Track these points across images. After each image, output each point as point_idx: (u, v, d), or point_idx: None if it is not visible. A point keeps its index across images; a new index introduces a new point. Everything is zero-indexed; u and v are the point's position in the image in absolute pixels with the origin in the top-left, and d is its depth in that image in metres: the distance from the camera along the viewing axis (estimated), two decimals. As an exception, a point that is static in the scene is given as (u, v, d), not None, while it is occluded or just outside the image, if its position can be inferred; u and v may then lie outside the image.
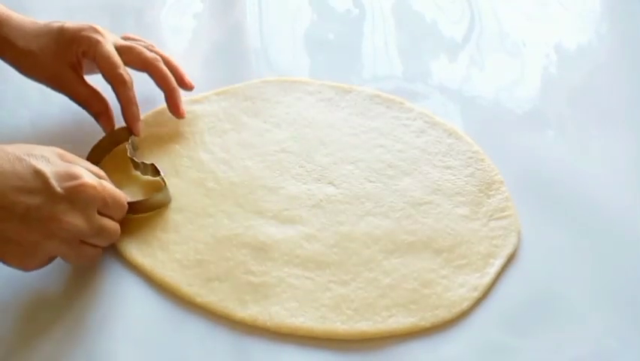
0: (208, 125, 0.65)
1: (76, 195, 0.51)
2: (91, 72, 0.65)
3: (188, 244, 0.57)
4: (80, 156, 0.56)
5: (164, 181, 0.59)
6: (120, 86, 0.62)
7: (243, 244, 0.56)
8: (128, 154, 0.61)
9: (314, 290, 0.55)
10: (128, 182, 0.61)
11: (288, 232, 0.58)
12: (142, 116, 0.65)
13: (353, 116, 0.66)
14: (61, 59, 0.63)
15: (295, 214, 0.59)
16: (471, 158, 0.63)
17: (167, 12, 0.78)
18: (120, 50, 0.63)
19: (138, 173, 0.62)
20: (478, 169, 0.62)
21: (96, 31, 0.62)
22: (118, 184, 0.60)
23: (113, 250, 0.57)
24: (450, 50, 0.75)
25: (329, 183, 0.61)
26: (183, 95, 0.66)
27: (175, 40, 0.75)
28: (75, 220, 0.51)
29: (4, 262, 0.51)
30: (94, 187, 0.52)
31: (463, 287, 0.55)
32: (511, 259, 0.57)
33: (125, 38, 0.67)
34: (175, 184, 0.61)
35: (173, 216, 0.59)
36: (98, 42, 0.62)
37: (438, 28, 0.77)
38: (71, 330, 0.52)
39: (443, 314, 0.54)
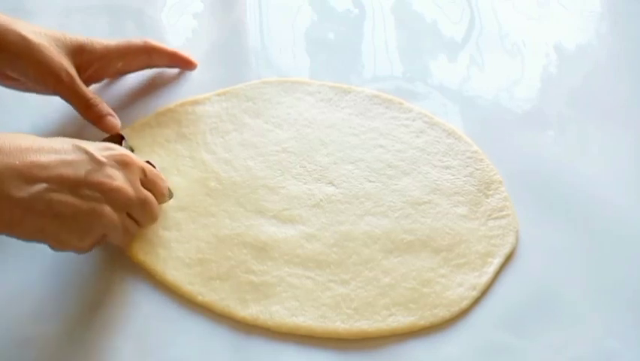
0: (210, 125, 0.66)
1: (119, 162, 0.53)
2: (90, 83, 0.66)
3: (189, 243, 0.58)
4: None
5: None
6: (151, 49, 0.67)
7: (244, 243, 0.57)
8: None
9: (314, 290, 0.56)
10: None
11: (289, 231, 0.59)
12: (144, 119, 0.66)
13: (353, 117, 0.67)
14: (64, 61, 0.62)
15: (295, 214, 0.60)
16: (470, 158, 0.64)
17: (167, 12, 0.78)
18: (114, 51, 0.65)
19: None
20: (477, 169, 0.64)
21: (96, 39, 0.65)
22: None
23: (115, 248, 0.58)
24: (450, 50, 0.76)
25: (329, 183, 0.62)
26: (185, 97, 0.67)
27: (175, 40, 0.76)
28: (123, 185, 0.52)
29: (59, 246, 0.51)
30: (133, 157, 0.54)
31: (462, 286, 0.56)
32: (509, 259, 0.58)
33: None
34: (177, 184, 0.62)
35: (175, 214, 0.60)
36: (104, 43, 0.64)
37: (438, 28, 0.78)
38: (72, 328, 0.53)
39: (442, 313, 0.55)
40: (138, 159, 0.55)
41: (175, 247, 0.58)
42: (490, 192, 0.62)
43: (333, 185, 0.62)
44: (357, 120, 0.67)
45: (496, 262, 0.58)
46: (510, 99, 0.71)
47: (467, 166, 0.64)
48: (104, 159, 0.52)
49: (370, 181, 0.62)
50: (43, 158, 0.49)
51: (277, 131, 0.66)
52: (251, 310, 0.54)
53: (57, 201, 0.49)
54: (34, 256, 0.57)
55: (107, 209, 0.51)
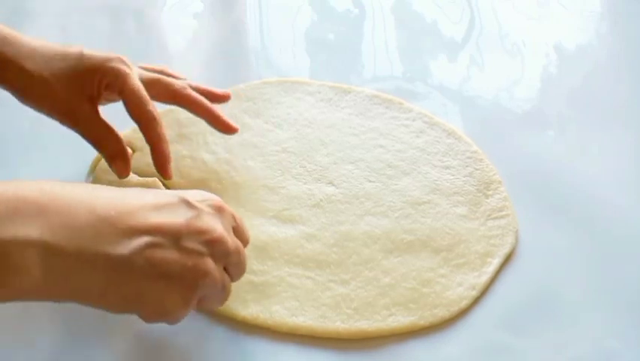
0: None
1: (214, 207, 0.47)
2: (106, 103, 0.59)
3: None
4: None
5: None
6: (150, 123, 0.56)
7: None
8: None
9: (314, 289, 0.56)
10: (123, 185, 0.61)
11: (289, 231, 0.59)
12: None
13: (353, 117, 0.68)
14: (78, 90, 0.55)
15: (296, 214, 0.60)
16: (470, 158, 0.65)
17: (167, 12, 0.79)
18: (146, 83, 0.57)
19: (134, 175, 0.63)
20: (477, 169, 0.64)
21: (124, 62, 0.56)
22: (113, 185, 0.61)
23: None
24: (450, 49, 0.77)
25: (329, 183, 0.63)
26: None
27: (175, 40, 0.77)
28: (224, 233, 0.46)
29: (157, 315, 0.44)
30: (223, 202, 0.48)
31: (462, 286, 0.56)
32: (509, 259, 0.59)
33: (145, 69, 0.61)
34: (178, 184, 0.62)
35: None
36: (126, 75, 0.55)
37: (438, 28, 0.79)
38: (71, 330, 0.53)
39: (442, 313, 0.55)
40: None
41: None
42: (490, 192, 0.62)
43: (333, 185, 0.63)
44: (357, 120, 0.68)
45: (496, 262, 0.58)
46: (510, 99, 0.72)
47: (467, 166, 0.64)
48: (200, 205, 0.46)
49: (370, 181, 0.63)
50: (140, 207, 0.43)
51: (277, 131, 0.66)
52: (251, 310, 0.55)
53: (160, 258, 0.43)
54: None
55: (211, 264, 0.45)
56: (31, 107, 0.56)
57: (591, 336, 0.54)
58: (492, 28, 0.78)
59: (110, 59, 0.55)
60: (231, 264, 0.48)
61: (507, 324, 0.55)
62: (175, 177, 0.62)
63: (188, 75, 0.72)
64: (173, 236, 0.43)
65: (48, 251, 0.40)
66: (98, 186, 0.45)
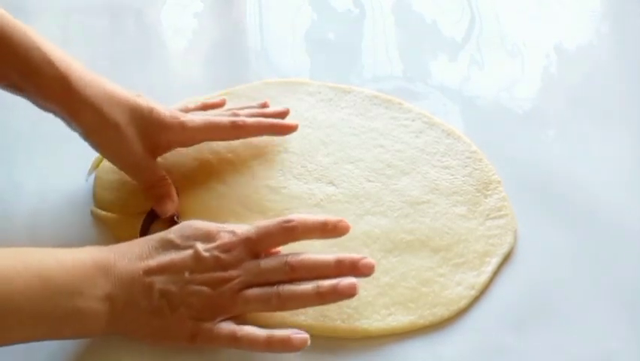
0: (212, 126, 0.67)
1: (223, 250, 0.53)
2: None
3: None
4: None
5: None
6: (240, 130, 0.63)
7: None
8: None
9: (314, 288, 0.57)
10: (124, 185, 0.63)
11: (289, 230, 0.60)
12: None
13: (353, 117, 0.69)
14: (149, 146, 0.60)
15: (296, 213, 0.60)
16: (469, 158, 0.65)
17: (167, 12, 0.79)
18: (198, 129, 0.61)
19: None
20: (476, 169, 0.65)
21: (183, 119, 0.61)
22: (114, 186, 0.63)
23: (110, 241, 0.59)
24: (450, 49, 0.77)
25: (329, 183, 0.63)
26: (187, 98, 0.68)
27: (175, 40, 0.77)
28: (233, 274, 0.53)
29: (189, 340, 0.52)
30: (234, 240, 0.54)
31: (461, 286, 0.57)
32: (508, 258, 0.59)
33: (207, 107, 0.66)
34: (181, 184, 0.63)
35: (181, 216, 0.61)
36: (186, 125, 0.60)
37: (438, 28, 0.79)
38: None
39: (441, 312, 0.56)
40: (240, 231, 0.54)
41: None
42: (489, 192, 0.63)
43: (334, 185, 0.63)
44: (357, 120, 0.68)
45: (495, 261, 0.59)
46: (510, 99, 0.72)
47: (466, 166, 0.65)
48: (208, 256, 0.53)
49: (370, 181, 0.64)
50: (154, 263, 0.52)
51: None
52: (252, 309, 0.55)
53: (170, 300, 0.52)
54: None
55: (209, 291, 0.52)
56: (95, 148, 0.59)
57: (591, 336, 0.55)
58: (492, 28, 0.79)
59: (175, 117, 0.60)
60: (254, 281, 0.53)
61: (506, 323, 0.56)
62: (178, 178, 0.63)
63: (189, 75, 0.73)
64: (179, 282, 0.52)
65: (112, 305, 0.50)
66: (134, 244, 0.54)
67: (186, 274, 0.52)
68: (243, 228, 0.54)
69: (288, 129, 0.65)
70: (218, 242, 0.53)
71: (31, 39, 0.56)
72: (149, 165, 0.60)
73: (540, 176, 0.65)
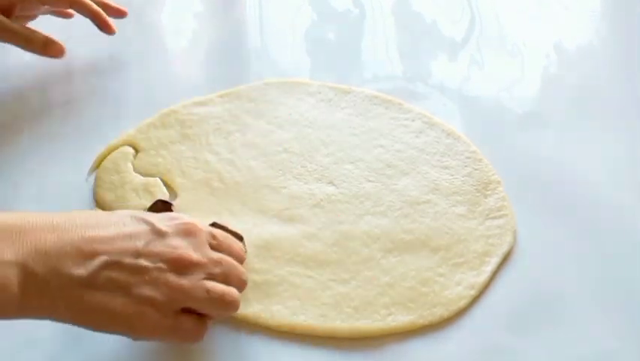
0: (213, 126, 0.67)
1: (183, 231, 0.51)
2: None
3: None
4: None
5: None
6: (74, 0, 0.68)
7: (247, 242, 0.58)
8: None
9: (314, 289, 0.57)
10: (125, 185, 0.63)
11: (290, 230, 0.60)
12: (149, 119, 0.67)
13: (353, 117, 0.69)
14: None
15: (296, 213, 0.61)
16: (469, 158, 0.66)
17: (167, 12, 0.79)
18: None
19: (137, 175, 0.64)
20: (476, 169, 0.65)
21: None
22: (114, 186, 0.63)
23: None
24: (450, 50, 0.77)
25: (329, 183, 0.64)
26: (186, 97, 0.68)
27: (175, 40, 0.77)
28: (186, 252, 0.49)
29: (133, 329, 0.48)
30: (198, 224, 0.52)
31: (460, 285, 0.58)
32: (507, 258, 0.60)
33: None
34: (182, 184, 0.63)
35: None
36: None
37: (438, 28, 0.79)
38: (71, 329, 0.52)
39: (441, 312, 0.56)
40: (204, 224, 0.53)
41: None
42: (489, 192, 0.63)
43: (334, 185, 0.64)
44: (357, 120, 0.69)
45: (494, 261, 0.59)
46: (510, 99, 0.72)
47: (466, 166, 0.65)
48: (166, 229, 0.50)
49: (370, 181, 0.64)
50: (102, 232, 0.48)
51: (279, 131, 0.67)
52: (253, 309, 0.55)
53: (117, 275, 0.47)
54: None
55: (172, 278, 0.48)
56: None
57: (590, 336, 0.55)
58: (492, 28, 0.79)
59: None
60: (214, 275, 0.50)
61: (506, 323, 0.56)
62: (178, 178, 0.63)
63: (189, 75, 0.73)
64: (131, 256, 0.48)
65: (25, 272, 0.45)
66: (75, 212, 0.50)
67: (141, 243, 0.49)
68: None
69: (108, 28, 0.70)
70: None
71: None
72: (3, 21, 0.65)
73: (540, 176, 0.65)
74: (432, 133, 0.68)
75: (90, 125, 0.68)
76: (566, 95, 0.73)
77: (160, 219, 0.51)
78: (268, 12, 0.79)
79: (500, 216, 0.62)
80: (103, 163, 0.64)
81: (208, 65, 0.74)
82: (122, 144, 0.66)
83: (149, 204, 0.61)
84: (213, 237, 0.53)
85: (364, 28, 0.79)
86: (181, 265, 0.49)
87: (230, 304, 0.50)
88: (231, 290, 0.51)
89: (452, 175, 0.65)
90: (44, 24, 0.71)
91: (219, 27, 0.78)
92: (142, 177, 0.64)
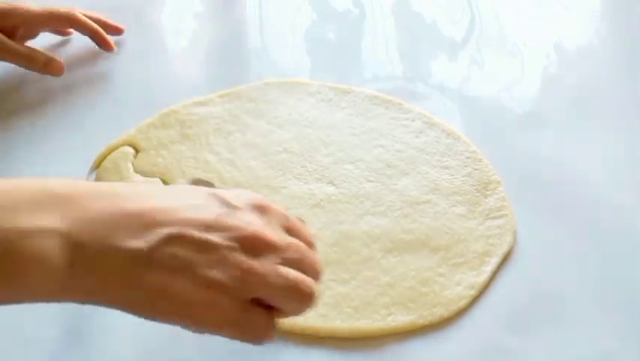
0: (213, 126, 0.67)
1: (257, 207, 0.44)
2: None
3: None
4: None
5: None
6: (71, 18, 0.71)
7: None
8: None
9: (315, 288, 0.57)
10: (124, 181, 0.63)
11: (290, 230, 0.61)
12: (149, 119, 0.67)
13: (353, 117, 0.69)
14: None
15: (296, 213, 0.61)
16: (469, 158, 0.66)
17: (167, 12, 0.80)
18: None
19: (137, 175, 0.64)
20: (476, 169, 0.65)
21: (22, 4, 0.69)
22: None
23: None
24: (450, 50, 0.77)
25: (329, 183, 0.64)
26: (186, 97, 0.68)
27: (175, 40, 0.77)
28: (262, 229, 0.42)
29: (192, 320, 0.40)
30: (271, 203, 0.45)
31: (460, 285, 0.58)
32: (507, 258, 0.60)
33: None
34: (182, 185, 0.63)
35: None
36: (28, 8, 0.69)
37: (438, 28, 0.79)
38: (71, 329, 0.53)
39: (441, 312, 0.56)
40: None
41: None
42: (489, 192, 0.64)
43: (334, 185, 0.64)
44: (357, 120, 0.69)
45: (494, 261, 0.59)
46: (510, 99, 0.73)
47: (466, 166, 0.65)
48: (238, 202, 0.43)
49: (370, 181, 0.64)
50: (164, 201, 0.41)
51: (279, 131, 0.68)
52: (253, 309, 0.56)
53: (181, 252, 0.40)
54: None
55: (243, 259, 0.41)
56: None
57: (590, 336, 0.55)
58: (492, 28, 0.79)
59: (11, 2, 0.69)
60: (289, 261, 0.43)
61: (506, 323, 0.56)
62: (178, 178, 0.64)
63: (190, 75, 0.73)
64: (198, 229, 0.41)
65: (69, 242, 0.38)
66: (127, 183, 0.46)
67: (213, 217, 0.42)
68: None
69: (107, 45, 0.74)
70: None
71: None
72: (5, 41, 0.68)
73: (540, 176, 0.65)
74: (432, 133, 0.68)
75: (90, 125, 0.68)
76: (566, 95, 0.73)
77: (230, 193, 0.44)
78: (268, 12, 0.79)
79: (500, 216, 0.62)
80: (103, 163, 0.65)
81: (208, 65, 0.75)
82: (122, 144, 0.66)
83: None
84: (286, 218, 0.46)
85: (364, 28, 0.79)
86: (255, 245, 0.42)
87: (307, 296, 0.43)
88: (308, 279, 0.44)
89: (452, 175, 0.65)
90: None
91: (219, 27, 0.78)
92: (142, 177, 0.64)
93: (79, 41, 0.74)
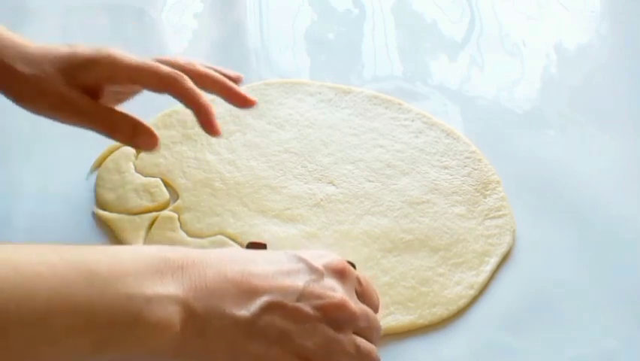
0: (214, 127, 0.68)
1: (336, 271, 0.48)
2: (119, 102, 0.59)
3: (195, 243, 0.60)
4: None
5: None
6: (175, 83, 0.53)
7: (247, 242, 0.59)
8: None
9: (315, 288, 0.58)
10: (126, 185, 0.64)
11: (290, 230, 0.61)
12: (151, 120, 0.67)
13: (353, 117, 0.70)
14: (72, 82, 0.53)
15: (297, 213, 0.62)
16: (468, 158, 0.66)
17: (167, 12, 0.80)
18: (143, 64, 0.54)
19: (138, 175, 0.64)
20: (475, 169, 0.66)
21: (113, 53, 0.54)
22: (115, 186, 0.63)
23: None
24: (450, 49, 0.78)
25: (329, 183, 0.64)
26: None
27: (175, 40, 0.77)
28: (344, 297, 0.46)
29: None
30: (347, 265, 0.49)
31: (460, 285, 0.58)
32: (506, 258, 0.60)
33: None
34: (183, 185, 0.64)
35: (183, 215, 0.62)
36: (122, 56, 0.54)
37: (438, 28, 0.80)
38: None
39: (441, 312, 0.57)
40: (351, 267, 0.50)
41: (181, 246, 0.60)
42: (488, 192, 0.64)
43: (334, 185, 0.64)
44: (357, 121, 0.69)
45: (493, 261, 0.60)
46: (510, 99, 0.73)
47: (465, 166, 0.66)
48: (321, 268, 0.47)
49: (370, 181, 0.65)
50: (261, 268, 0.45)
51: (279, 131, 0.68)
52: (253, 309, 0.56)
53: (277, 322, 0.44)
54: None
55: (328, 330, 0.45)
56: (31, 110, 0.55)
57: (590, 336, 0.56)
58: (492, 28, 0.79)
59: (101, 49, 0.54)
60: (360, 330, 0.48)
61: (505, 323, 0.57)
62: (179, 178, 0.64)
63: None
64: (291, 298, 0.45)
65: (185, 308, 0.42)
66: (227, 249, 0.49)
67: (300, 287, 0.45)
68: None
69: (247, 102, 0.58)
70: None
71: None
72: (86, 102, 0.53)
73: (539, 176, 0.66)
74: (431, 133, 0.68)
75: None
76: (566, 95, 0.74)
77: (311, 256, 0.48)
78: (268, 12, 0.80)
79: (499, 216, 0.63)
80: (104, 163, 0.65)
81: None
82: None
83: (148, 204, 0.62)
84: (359, 282, 0.50)
85: (364, 28, 0.79)
86: (339, 316, 0.46)
87: None
88: (374, 349, 0.48)
89: (452, 175, 0.65)
90: (44, 23, 0.71)
91: (219, 27, 0.78)
92: (143, 178, 0.64)
93: (79, 42, 0.74)
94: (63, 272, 0.39)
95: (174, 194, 0.64)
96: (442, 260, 0.60)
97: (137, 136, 0.55)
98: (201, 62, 0.58)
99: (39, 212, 0.62)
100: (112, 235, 0.61)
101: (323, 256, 0.48)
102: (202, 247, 0.60)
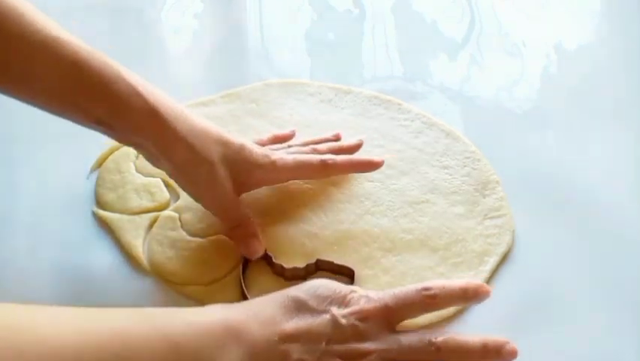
0: (215, 127, 0.68)
1: (360, 319, 0.50)
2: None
3: (195, 242, 0.61)
4: None
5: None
6: (332, 168, 0.61)
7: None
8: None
9: (315, 288, 0.58)
10: (126, 184, 0.64)
11: (290, 230, 0.61)
12: None
13: (353, 117, 0.70)
14: (236, 182, 0.58)
15: (297, 213, 0.62)
16: (468, 158, 0.67)
17: (167, 12, 0.80)
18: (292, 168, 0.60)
19: (139, 175, 0.65)
20: (475, 169, 0.66)
21: (276, 160, 0.59)
22: (115, 186, 0.63)
23: (121, 248, 0.60)
24: (450, 49, 0.78)
25: (329, 183, 0.64)
26: (187, 98, 0.68)
27: (175, 40, 0.77)
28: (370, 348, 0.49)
29: None
30: (370, 307, 0.51)
31: None
32: (506, 258, 0.61)
33: (279, 138, 0.65)
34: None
35: (183, 215, 0.62)
36: (277, 166, 0.59)
37: (438, 28, 0.79)
38: None
39: (440, 312, 0.56)
40: (375, 297, 0.52)
41: (182, 246, 0.60)
42: (487, 192, 0.64)
43: (334, 185, 0.64)
44: (357, 121, 0.70)
45: (493, 261, 0.60)
46: (510, 99, 0.73)
47: (465, 166, 0.66)
48: (345, 321, 0.50)
49: (370, 181, 0.65)
50: (297, 324, 0.49)
51: (279, 131, 0.67)
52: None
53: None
54: (42, 261, 0.60)
55: None
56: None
57: (590, 336, 0.56)
58: (492, 28, 0.79)
59: (266, 155, 0.59)
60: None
61: (504, 323, 0.57)
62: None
63: (190, 75, 0.74)
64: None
65: None
66: (270, 298, 0.51)
67: (323, 344, 0.49)
68: (378, 294, 0.52)
69: (375, 166, 0.63)
70: (354, 307, 0.51)
71: (113, 68, 0.52)
72: (234, 204, 0.58)
73: (539, 176, 0.66)
74: (431, 133, 0.68)
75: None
76: (566, 95, 0.74)
77: (339, 307, 0.50)
78: (268, 12, 0.80)
79: (499, 216, 0.63)
80: (105, 163, 0.65)
81: (208, 65, 0.75)
82: None
83: (149, 204, 0.62)
84: (387, 320, 0.51)
85: (364, 28, 0.79)
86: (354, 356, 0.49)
87: None
88: None
89: (451, 175, 0.65)
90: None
91: (219, 28, 0.78)
92: (143, 178, 0.64)
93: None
94: (153, 343, 0.44)
95: (175, 194, 0.64)
96: (442, 260, 0.60)
97: (248, 247, 0.59)
98: (318, 142, 0.64)
99: (39, 212, 0.63)
100: (112, 235, 0.61)
101: (354, 303, 0.51)
102: (202, 246, 0.61)
